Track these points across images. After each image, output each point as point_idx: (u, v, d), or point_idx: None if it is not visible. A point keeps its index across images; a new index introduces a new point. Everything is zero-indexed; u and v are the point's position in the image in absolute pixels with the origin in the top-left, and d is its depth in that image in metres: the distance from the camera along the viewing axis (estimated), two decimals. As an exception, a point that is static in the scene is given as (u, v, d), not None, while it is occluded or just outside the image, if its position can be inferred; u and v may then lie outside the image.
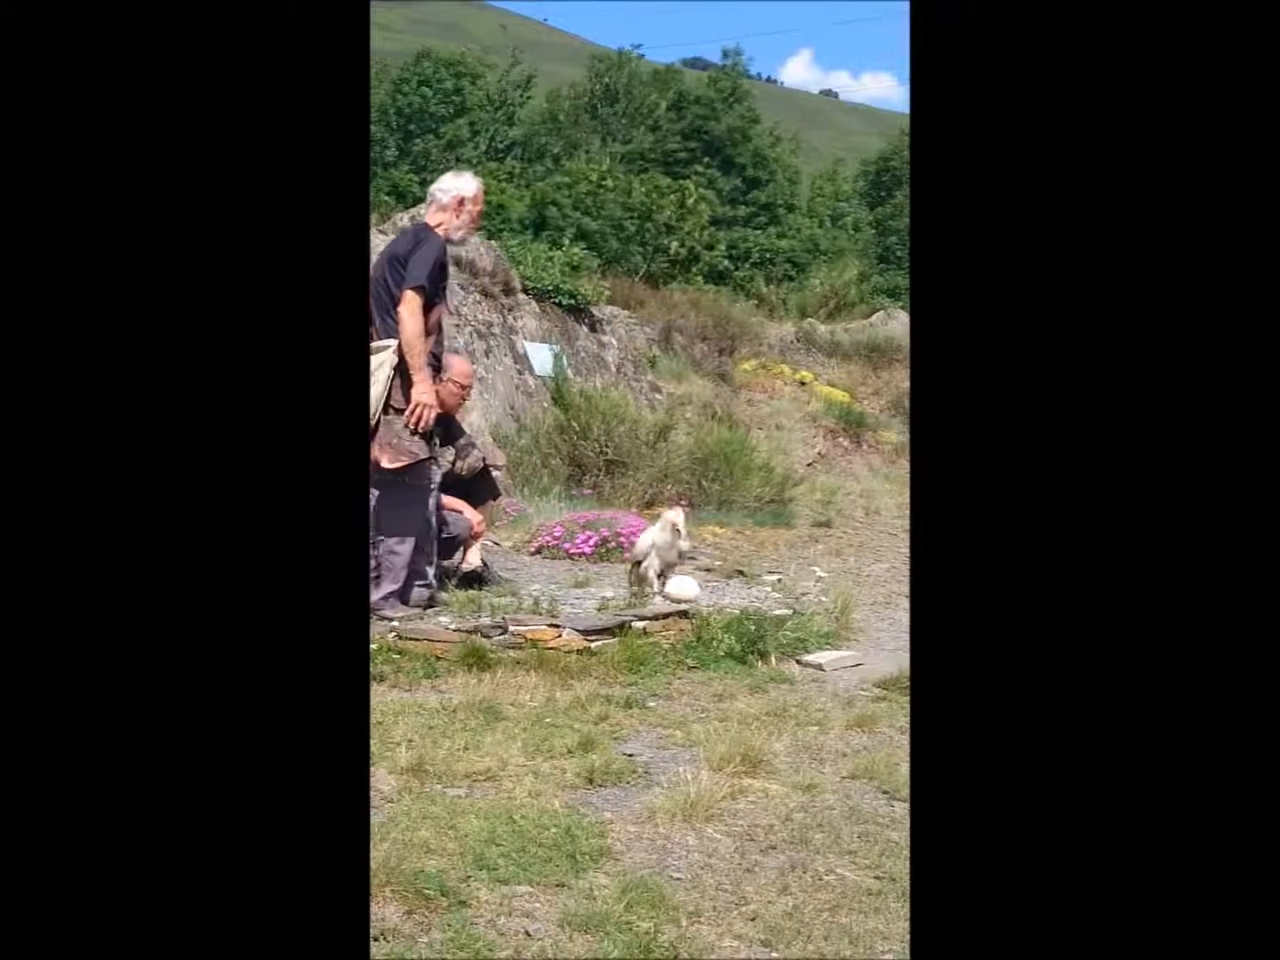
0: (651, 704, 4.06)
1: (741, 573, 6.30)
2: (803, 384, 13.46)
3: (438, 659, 4.28)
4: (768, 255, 26.18)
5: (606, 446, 8.49)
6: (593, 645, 4.46)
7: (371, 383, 4.40)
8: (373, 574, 4.52)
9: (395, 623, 4.44)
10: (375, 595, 4.48)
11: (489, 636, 4.40)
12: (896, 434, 12.99)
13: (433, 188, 4.96)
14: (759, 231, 28.20)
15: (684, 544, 5.10)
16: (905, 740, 3.70)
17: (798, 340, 14.76)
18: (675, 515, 5.11)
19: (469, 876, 2.50)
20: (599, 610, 4.77)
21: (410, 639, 4.35)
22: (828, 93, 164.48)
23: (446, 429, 5.25)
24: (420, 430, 4.56)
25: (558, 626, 4.47)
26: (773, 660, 4.67)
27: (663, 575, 5.04)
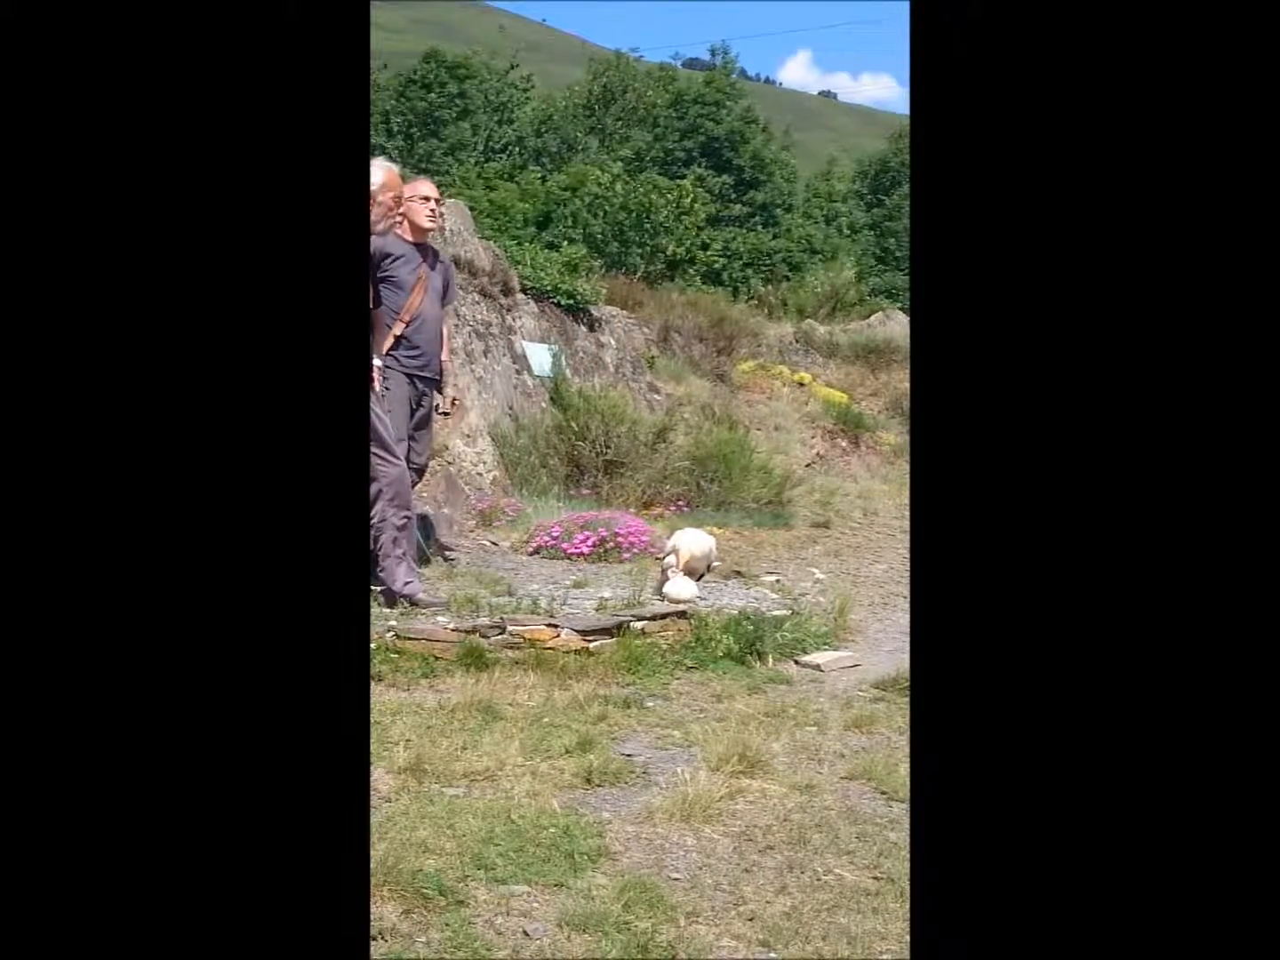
0: (650, 704, 4.06)
1: (740, 573, 6.30)
2: (801, 385, 13.45)
3: (436, 659, 4.28)
4: (763, 256, 26.18)
5: (605, 447, 8.47)
6: (591, 645, 4.46)
7: None
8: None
9: (394, 621, 4.45)
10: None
11: (487, 636, 4.39)
12: (895, 435, 12.98)
13: None
14: (753, 232, 28.20)
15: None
16: (903, 741, 3.71)
17: (796, 341, 14.75)
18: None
19: (467, 876, 2.50)
20: (597, 610, 4.77)
21: (408, 638, 4.34)
22: (826, 94, 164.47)
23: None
24: None
25: (556, 626, 4.47)
26: (771, 661, 4.67)
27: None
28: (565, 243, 15.39)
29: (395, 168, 5.31)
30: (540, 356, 9.89)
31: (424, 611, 4.68)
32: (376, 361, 5.11)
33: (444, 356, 5.68)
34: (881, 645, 5.20)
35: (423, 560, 5.42)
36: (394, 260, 5.33)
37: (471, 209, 11.77)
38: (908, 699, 4.16)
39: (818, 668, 4.70)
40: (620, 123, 32.06)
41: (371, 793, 2.87)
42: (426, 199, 5.45)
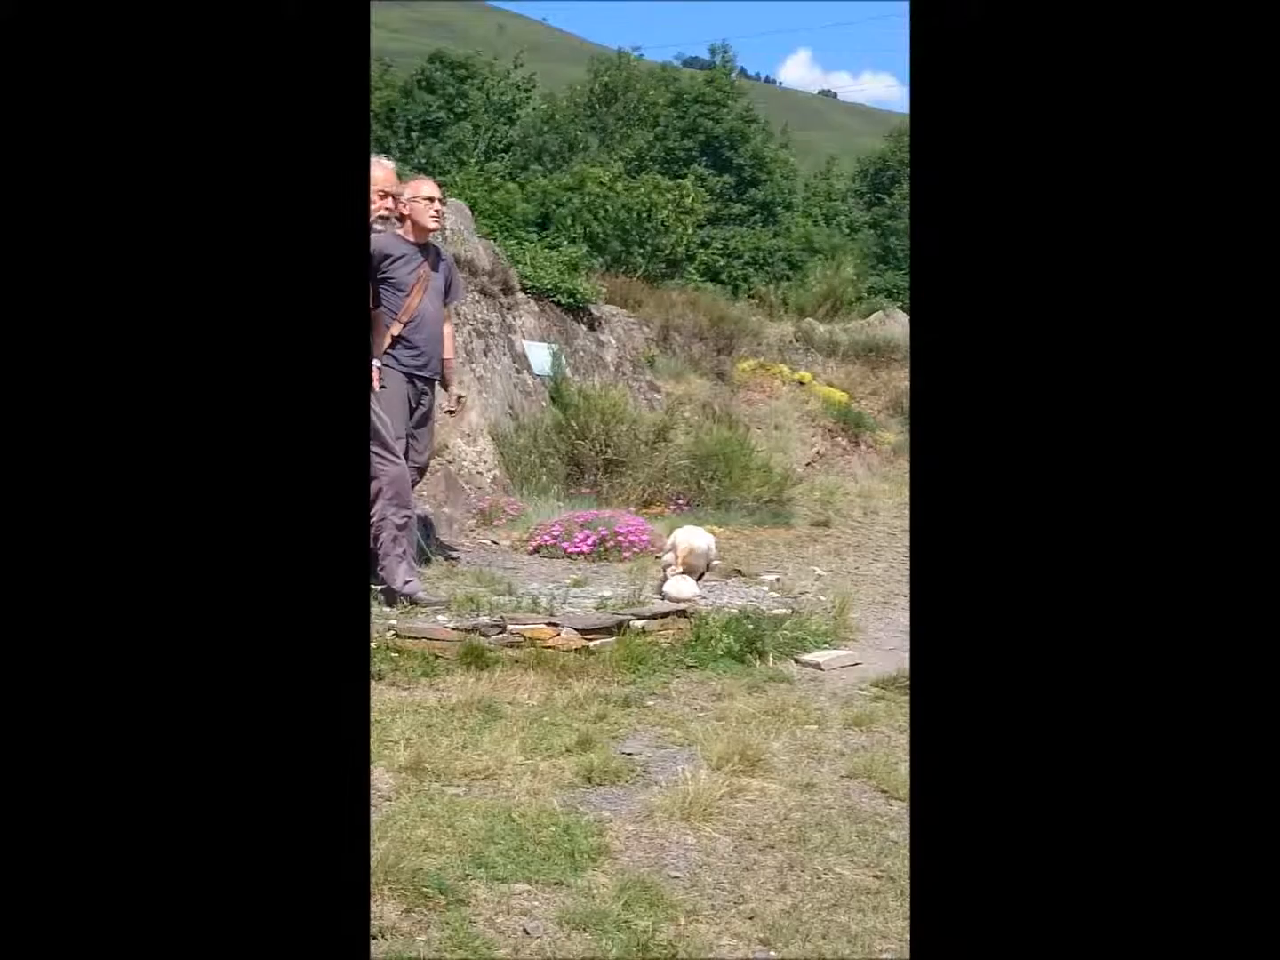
0: (650, 703, 4.06)
1: (740, 572, 6.30)
2: (801, 384, 13.45)
3: (436, 657, 4.28)
4: (761, 254, 26.14)
5: (605, 446, 8.48)
6: (591, 644, 4.46)
7: None
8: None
9: (394, 620, 4.46)
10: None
11: (487, 635, 4.40)
12: (895, 434, 12.98)
13: None
14: (753, 231, 28.17)
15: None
16: (903, 739, 3.71)
17: (796, 340, 14.74)
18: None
19: (467, 875, 2.50)
20: (597, 609, 4.78)
21: (408, 637, 4.34)
22: (826, 93, 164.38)
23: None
24: None
25: (556, 625, 4.47)
26: (771, 659, 4.67)
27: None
28: (566, 242, 15.37)
29: (391, 164, 5.32)
30: (540, 355, 9.90)
31: (424, 610, 4.68)
32: (375, 361, 5.12)
33: (447, 355, 5.67)
34: (882, 644, 5.20)
35: (423, 559, 5.43)
36: (394, 261, 5.33)
37: (473, 209, 11.76)
38: (908, 697, 4.17)
39: (818, 666, 4.70)
40: (621, 122, 32.03)
41: (372, 791, 2.87)
42: (430, 199, 5.44)
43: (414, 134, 28.42)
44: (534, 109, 30.41)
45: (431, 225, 5.46)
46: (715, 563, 5.73)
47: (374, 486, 4.69)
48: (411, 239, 5.42)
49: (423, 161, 25.10)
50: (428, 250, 5.52)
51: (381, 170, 5.10)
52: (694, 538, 5.40)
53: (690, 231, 19.88)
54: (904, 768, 3.35)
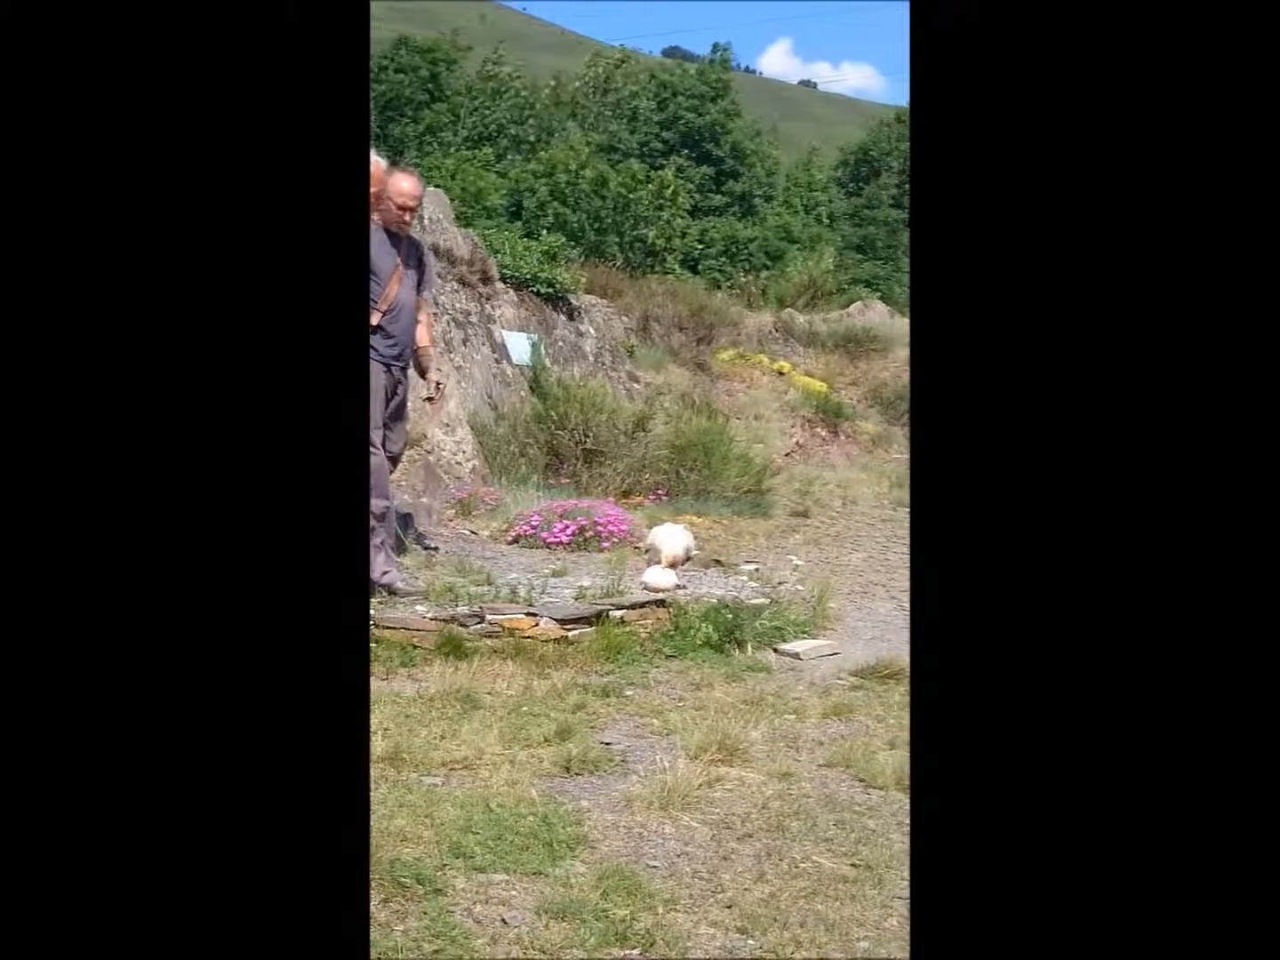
0: (629, 693, 4.06)
1: (719, 562, 6.30)
2: (781, 374, 13.46)
3: (414, 647, 4.28)
4: (742, 245, 26.15)
5: (584, 436, 8.47)
6: (570, 634, 4.46)
7: None
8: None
9: (372, 610, 4.45)
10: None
11: (466, 625, 4.39)
12: (874, 424, 13.02)
13: None
14: (733, 221, 28.20)
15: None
16: (881, 729, 3.72)
17: (776, 330, 14.75)
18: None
19: (445, 865, 2.50)
20: (576, 599, 4.77)
21: (387, 627, 4.34)
22: (806, 83, 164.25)
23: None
24: None
25: (535, 615, 4.47)
26: (750, 649, 4.68)
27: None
28: (544, 231, 15.35)
29: (383, 161, 5.28)
30: (519, 345, 9.88)
31: (402, 600, 4.67)
32: None
33: (424, 342, 5.63)
34: (860, 633, 5.22)
35: (401, 549, 5.41)
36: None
37: (449, 196, 11.72)
38: (886, 687, 4.19)
39: (796, 656, 4.71)
40: (607, 112, 31.96)
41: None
42: (404, 196, 5.38)
43: (389, 113, 28.24)
44: (513, 97, 30.32)
45: (402, 229, 5.39)
46: (694, 553, 5.75)
47: None
48: (385, 226, 5.38)
49: (394, 144, 25.02)
50: (399, 237, 5.47)
51: (373, 167, 5.05)
52: (673, 537, 5.41)
53: (674, 224, 19.90)
54: (882, 757, 3.36)
